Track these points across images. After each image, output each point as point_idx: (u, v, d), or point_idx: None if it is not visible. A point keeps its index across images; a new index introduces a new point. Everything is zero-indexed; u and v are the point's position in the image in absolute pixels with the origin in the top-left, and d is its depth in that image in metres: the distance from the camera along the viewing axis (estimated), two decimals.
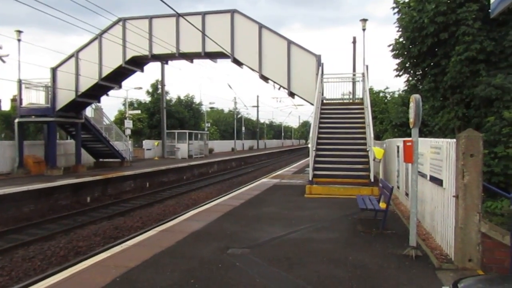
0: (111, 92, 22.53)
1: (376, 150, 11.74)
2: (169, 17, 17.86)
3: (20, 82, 19.88)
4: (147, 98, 42.26)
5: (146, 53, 18.26)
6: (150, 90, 41.94)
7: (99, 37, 18.87)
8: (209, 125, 49.10)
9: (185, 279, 5.14)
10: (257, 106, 65.00)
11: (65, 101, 19.71)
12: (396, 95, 23.31)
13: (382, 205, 8.10)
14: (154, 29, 18.20)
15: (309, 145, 13.15)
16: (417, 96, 6.03)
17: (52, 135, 20.32)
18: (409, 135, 6.31)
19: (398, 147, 10.87)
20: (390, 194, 7.74)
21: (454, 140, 5.64)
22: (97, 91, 20.68)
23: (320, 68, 16.50)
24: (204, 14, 17.82)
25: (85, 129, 21.90)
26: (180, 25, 17.80)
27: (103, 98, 23.14)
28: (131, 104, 39.41)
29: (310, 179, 12.86)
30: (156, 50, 18.20)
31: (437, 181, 6.54)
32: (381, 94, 25.12)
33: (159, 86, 38.17)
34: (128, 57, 18.58)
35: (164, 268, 5.54)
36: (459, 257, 5.41)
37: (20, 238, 11.17)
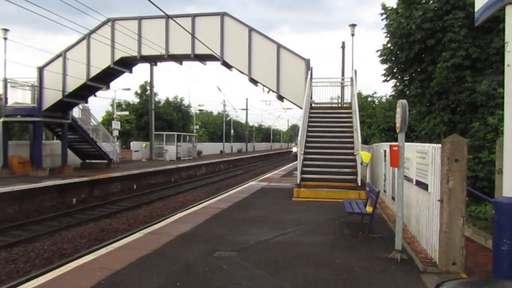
0: (99, 93, 22.35)
1: (363, 154, 11.84)
2: (159, 18, 17.79)
3: (5, 81, 19.58)
4: (135, 99, 41.97)
5: (135, 54, 18.15)
6: (139, 91, 41.67)
7: (87, 37, 18.71)
8: (197, 128, 48.90)
9: (171, 282, 5.11)
10: (246, 109, 65.05)
11: (51, 101, 19.46)
12: (384, 100, 23.56)
13: (369, 209, 8.16)
14: (143, 30, 18.12)
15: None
16: (404, 101, 6.11)
17: (38, 135, 20.03)
18: (396, 140, 6.38)
19: (385, 151, 10.98)
20: (376, 198, 7.81)
21: (440, 145, 5.72)
22: (84, 92, 20.48)
23: (309, 72, 16.61)
24: (194, 16, 17.80)
25: (71, 130, 21.65)
26: (170, 27, 17.75)
27: (91, 99, 22.97)
28: (119, 105, 39.11)
29: (298, 182, 12.91)
30: (145, 51, 18.11)
31: (423, 186, 6.62)
32: (369, 99, 25.34)
33: (148, 88, 37.94)
34: (116, 57, 18.44)
35: (150, 271, 5.50)
36: (443, 261, 5.48)
37: (3, 239, 10.98)
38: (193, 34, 17.23)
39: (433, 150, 6.08)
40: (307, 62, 16.89)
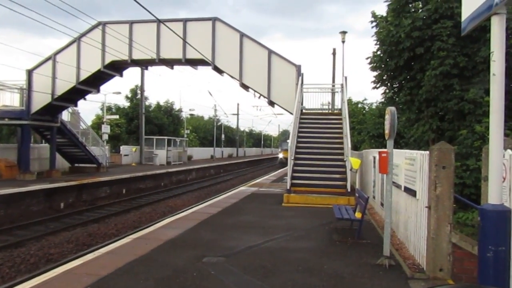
0: (89, 96, 22.24)
1: (352, 160, 11.90)
2: (150, 22, 17.76)
3: None
4: (125, 103, 41.77)
5: (126, 58, 18.09)
6: (129, 95, 41.46)
7: (77, 40, 18.60)
8: (188, 132, 48.77)
9: (159, 287, 5.07)
10: (237, 114, 65.07)
11: (40, 104, 19.27)
12: (374, 107, 23.74)
13: (358, 215, 8.19)
14: (134, 34, 18.07)
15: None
16: (393, 108, 6.17)
17: (26, 138, 19.80)
18: (386, 146, 6.43)
19: (374, 157, 11.05)
20: (365, 204, 7.85)
21: (428, 152, 5.78)
22: (74, 95, 20.32)
23: (300, 78, 16.70)
24: (185, 21, 17.82)
25: (60, 133, 21.45)
26: (161, 31, 17.74)
27: (81, 102, 22.83)
28: (109, 109, 38.85)
29: (288, 188, 12.93)
30: (136, 55, 18.06)
31: (411, 192, 6.67)
32: (359, 105, 25.53)
33: (139, 92, 37.77)
34: (107, 61, 18.36)
35: (138, 277, 5.45)
36: (431, 267, 5.52)
37: None
38: (185, 38, 17.23)
39: (421, 157, 6.14)
40: (298, 68, 16.99)
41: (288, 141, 46.43)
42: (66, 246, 10.82)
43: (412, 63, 11.28)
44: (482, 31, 9.24)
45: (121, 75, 20.25)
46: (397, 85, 12.49)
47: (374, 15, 12.34)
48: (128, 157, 33.88)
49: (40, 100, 19.19)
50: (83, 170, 24.28)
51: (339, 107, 17.97)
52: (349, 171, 12.68)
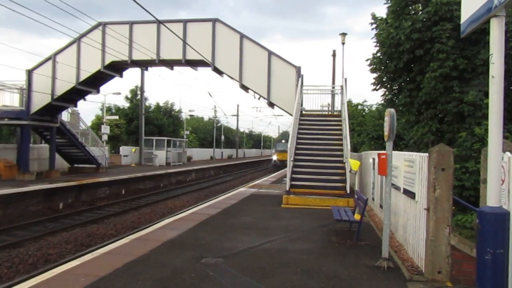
0: (88, 97, 22.23)
1: (352, 162, 11.89)
2: (150, 23, 17.78)
3: None
4: (125, 104, 41.78)
5: (126, 58, 18.09)
6: (129, 95, 41.48)
7: (77, 40, 18.61)
8: (188, 133, 48.75)
9: None
10: (237, 115, 65.05)
11: (40, 104, 19.27)
12: (373, 109, 23.74)
13: (357, 217, 8.19)
14: (134, 35, 18.08)
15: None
16: (392, 110, 6.17)
17: (25, 138, 19.79)
18: (385, 148, 6.43)
19: (373, 159, 11.05)
20: (364, 205, 7.84)
21: (427, 154, 5.78)
22: (74, 95, 20.33)
23: (300, 79, 16.71)
24: (185, 22, 17.83)
25: (60, 134, 21.44)
26: (161, 32, 17.75)
27: (80, 103, 22.79)
28: (109, 110, 38.87)
29: (287, 189, 12.92)
30: (136, 56, 18.06)
31: (410, 194, 6.67)
32: (359, 107, 25.53)
33: (138, 92, 37.79)
34: (107, 62, 18.36)
35: (136, 277, 5.44)
36: (429, 269, 5.51)
37: None
38: (185, 39, 17.24)
39: (420, 159, 6.14)
40: (298, 69, 17.00)
41: (283, 141, 44.50)
42: (64, 246, 10.80)
43: (412, 65, 11.29)
44: (482, 33, 9.26)
45: (121, 76, 20.26)
46: (397, 87, 12.49)
47: (374, 17, 12.37)
48: (127, 158, 33.88)
49: (40, 100, 19.19)
50: (83, 170, 24.26)
51: (339, 108, 17.97)
52: (349, 173, 12.67)
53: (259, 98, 18.41)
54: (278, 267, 6.01)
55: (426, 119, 11.31)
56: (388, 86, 12.67)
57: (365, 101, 38.33)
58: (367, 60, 12.56)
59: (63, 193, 16.94)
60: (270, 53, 17.33)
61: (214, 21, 17.67)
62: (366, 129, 20.19)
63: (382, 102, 15.14)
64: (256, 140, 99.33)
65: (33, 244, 11.03)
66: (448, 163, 5.44)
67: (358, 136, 21.70)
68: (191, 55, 17.38)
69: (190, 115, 52.28)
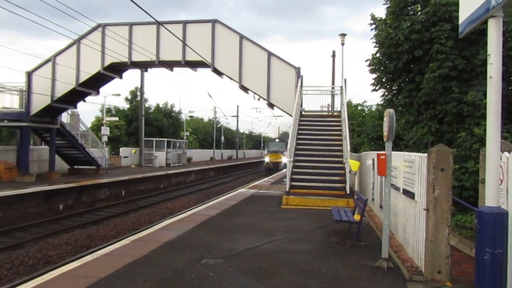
0: (88, 98, 22.27)
1: (352, 163, 11.91)
2: (150, 24, 17.80)
3: None
4: (125, 105, 41.81)
5: (126, 60, 18.12)
6: (129, 97, 41.51)
7: (77, 42, 18.63)
8: (188, 134, 48.76)
9: None
10: (237, 116, 65.04)
11: (40, 106, 19.29)
12: (373, 109, 23.75)
13: (357, 217, 8.20)
14: (134, 36, 18.10)
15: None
16: (391, 110, 6.18)
17: (25, 140, 19.81)
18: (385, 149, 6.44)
19: (373, 160, 11.05)
20: (364, 206, 7.85)
21: (426, 154, 5.79)
22: (73, 97, 20.35)
23: (300, 80, 16.72)
24: (185, 23, 17.85)
25: (60, 135, 21.45)
26: (161, 33, 17.77)
27: (80, 104, 22.82)
28: (109, 111, 38.88)
29: (287, 190, 12.93)
30: (136, 57, 18.09)
31: (410, 194, 6.68)
32: (359, 108, 25.54)
33: (138, 93, 37.81)
34: (106, 63, 18.38)
35: (136, 278, 5.45)
36: (429, 269, 5.51)
37: None
38: (184, 40, 17.26)
39: (419, 159, 6.14)
40: (298, 70, 17.02)
41: (277, 140, 42.22)
42: (64, 248, 10.81)
43: (411, 66, 11.29)
44: (481, 34, 9.26)
45: (120, 77, 20.28)
46: (396, 87, 12.50)
47: (373, 17, 12.37)
48: (127, 159, 33.88)
49: (40, 102, 19.21)
50: (83, 172, 24.26)
51: (339, 109, 17.98)
52: (348, 173, 12.68)
53: (258, 99, 18.42)
54: (278, 268, 6.02)
55: (426, 120, 11.31)
56: (388, 86, 12.67)
57: (365, 101, 38.25)
58: (366, 60, 12.57)
59: (63, 194, 16.95)
60: (270, 54, 17.34)
61: (214, 22, 17.69)
62: (366, 129, 20.19)
63: (382, 102, 15.15)
64: (256, 141, 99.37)
65: (33, 245, 11.03)
66: (447, 163, 5.45)
67: (358, 137, 21.70)
68: (191, 56, 17.39)
69: (190, 116, 52.34)
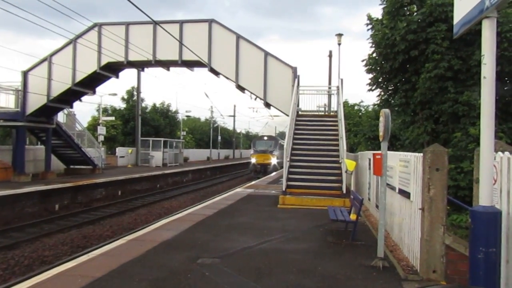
0: (84, 98, 22.18)
1: (348, 162, 11.93)
2: (146, 24, 17.76)
3: None
4: (122, 105, 41.70)
5: (122, 59, 18.07)
6: (125, 96, 41.41)
7: (73, 41, 18.58)
8: (184, 134, 48.69)
9: None
10: (234, 116, 65.07)
11: (36, 105, 19.22)
12: (370, 109, 23.81)
13: (353, 217, 8.21)
14: (130, 36, 18.07)
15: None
16: (387, 110, 6.20)
17: (21, 140, 19.73)
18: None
19: (369, 159, 11.08)
20: (360, 205, 7.87)
21: (421, 154, 5.82)
22: (70, 96, 20.29)
23: (296, 80, 16.75)
24: (181, 22, 17.83)
25: (56, 135, 21.38)
26: (157, 33, 17.74)
27: (76, 104, 22.74)
28: (105, 111, 38.77)
29: (284, 189, 12.94)
30: (132, 57, 18.05)
31: (405, 194, 6.70)
32: (355, 108, 25.60)
33: (135, 93, 37.74)
34: (103, 63, 18.34)
35: (132, 278, 5.45)
36: (424, 269, 5.54)
37: None
38: (181, 40, 17.24)
39: (415, 159, 6.17)
40: (294, 70, 17.04)
41: (265, 138, 40.19)
42: (60, 248, 10.79)
43: (407, 66, 11.35)
44: (476, 34, 9.30)
45: (117, 77, 20.23)
46: (392, 87, 12.56)
47: (369, 17, 12.42)
48: (124, 159, 33.80)
49: (36, 101, 19.14)
50: (79, 171, 24.19)
51: (335, 109, 18.02)
52: (345, 173, 12.71)
53: (255, 99, 18.43)
54: (274, 267, 6.03)
55: (422, 120, 11.37)
56: (384, 86, 12.73)
57: (361, 101, 38.26)
58: (363, 60, 12.62)
59: (59, 194, 16.90)
60: (266, 54, 17.36)
61: (211, 21, 17.69)
62: (362, 129, 20.23)
63: (378, 102, 15.21)
64: None
65: (29, 245, 11.00)
66: (442, 163, 5.48)
67: (354, 137, 21.74)
68: (188, 56, 17.38)
69: (187, 116, 52.32)
